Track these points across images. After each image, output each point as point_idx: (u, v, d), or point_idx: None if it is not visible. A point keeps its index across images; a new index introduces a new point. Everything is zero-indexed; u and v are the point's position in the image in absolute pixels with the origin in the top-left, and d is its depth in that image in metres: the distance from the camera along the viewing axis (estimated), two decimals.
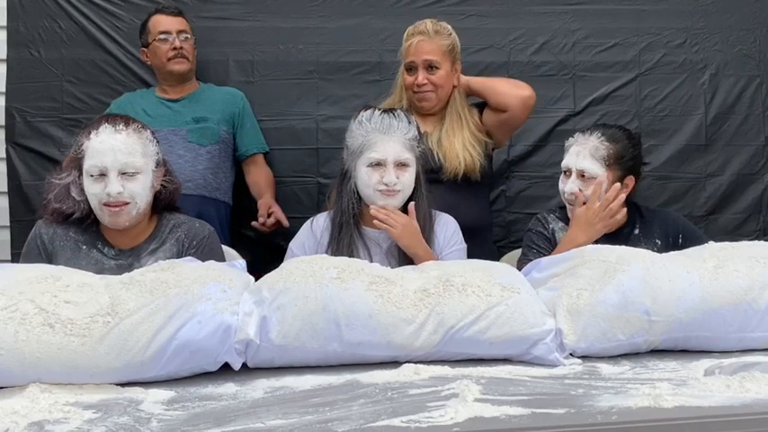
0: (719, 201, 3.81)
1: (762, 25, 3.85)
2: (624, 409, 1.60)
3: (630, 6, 3.83)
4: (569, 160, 2.79)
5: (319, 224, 2.73)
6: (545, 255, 2.74)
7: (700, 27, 3.84)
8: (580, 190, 2.73)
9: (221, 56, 3.72)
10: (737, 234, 3.73)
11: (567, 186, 2.76)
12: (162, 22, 3.46)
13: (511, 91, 3.12)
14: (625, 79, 3.82)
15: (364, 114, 2.64)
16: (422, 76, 3.09)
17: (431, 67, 3.09)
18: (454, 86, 3.16)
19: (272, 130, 3.69)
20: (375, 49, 3.76)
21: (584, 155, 2.74)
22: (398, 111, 2.68)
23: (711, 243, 2.40)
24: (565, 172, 2.81)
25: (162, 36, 3.43)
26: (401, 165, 2.58)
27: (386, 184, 2.55)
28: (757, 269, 2.12)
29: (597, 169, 2.72)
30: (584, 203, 2.72)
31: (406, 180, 2.59)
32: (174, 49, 3.43)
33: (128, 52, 3.68)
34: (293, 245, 2.74)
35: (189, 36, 3.50)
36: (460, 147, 3.06)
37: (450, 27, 3.16)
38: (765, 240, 2.79)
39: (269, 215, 3.42)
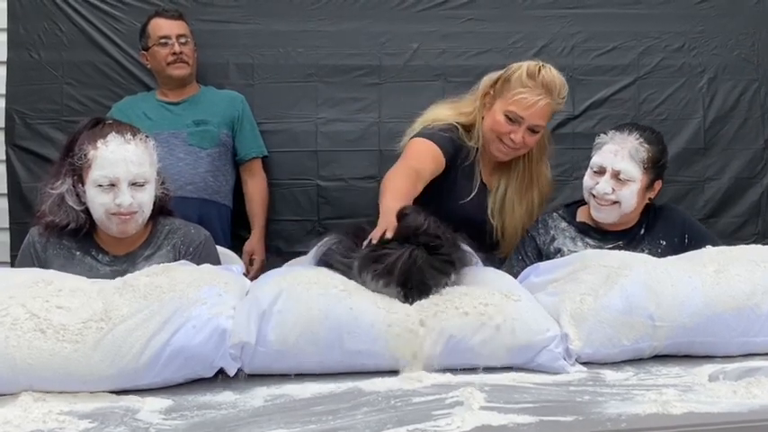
0: (718, 204, 3.82)
1: (760, 29, 3.86)
2: (633, 416, 1.59)
3: (629, 10, 3.83)
4: (605, 159, 2.66)
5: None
6: (527, 264, 2.67)
7: (698, 31, 3.84)
8: (613, 190, 2.64)
9: (221, 59, 3.72)
10: (736, 237, 3.73)
11: (600, 186, 2.65)
12: (161, 26, 3.45)
13: None
14: (624, 83, 3.82)
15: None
16: (521, 136, 2.72)
17: (535, 131, 2.76)
18: None
19: (271, 132, 3.69)
20: (375, 53, 3.76)
21: (623, 155, 2.64)
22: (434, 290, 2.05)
23: (709, 247, 2.39)
24: (596, 170, 2.69)
25: (161, 41, 3.43)
26: None
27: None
28: (758, 273, 2.13)
29: (635, 172, 2.63)
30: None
31: None
32: (174, 54, 3.42)
33: (128, 55, 3.67)
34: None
35: (188, 40, 3.49)
36: (519, 220, 2.87)
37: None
38: (764, 244, 2.79)
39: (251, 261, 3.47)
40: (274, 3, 3.75)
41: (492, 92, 2.79)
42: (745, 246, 2.43)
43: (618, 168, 2.64)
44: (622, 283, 2.06)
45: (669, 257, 2.33)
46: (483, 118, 2.81)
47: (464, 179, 2.83)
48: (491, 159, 2.87)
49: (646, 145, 2.67)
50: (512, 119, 2.71)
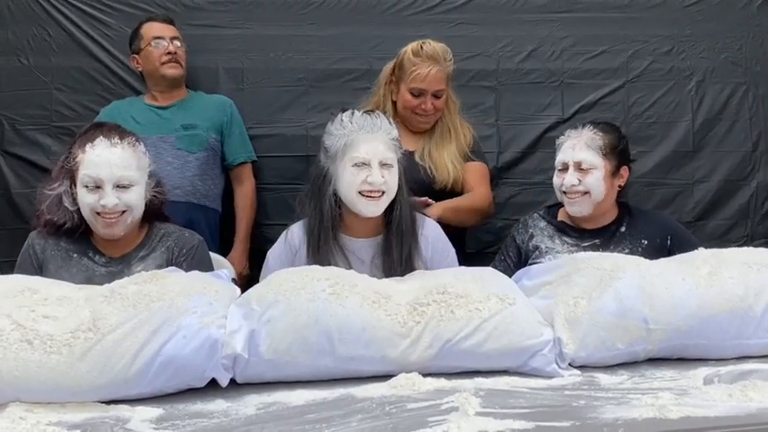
0: (707, 207, 3.82)
1: (748, 32, 3.88)
2: (630, 420, 1.59)
3: (618, 14, 3.84)
4: (565, 155, 2.81)
5: (294, 235, 2.64)
6: (509, 264, 2.82)
7: (686, 34, 3.85)
8: (579, 180, 2.75)
9: (211, 63, 3.71)
10: (725, 240, 3.75)
11: (567, 180, 2.77)
12: (155, 27, 3.46)
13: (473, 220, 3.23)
14: (613, 86, 3.82)
15: (344, 116, 2.57)
16: (429, 104, 3.14)
17: (438, 95, 3.15)
18: None
19: (261, 137, 3.68)
20: (365, 57, 3.75)
21: (581, 146, 2.78)
22: (378, 111, 2.64)
23: (701, 249, 2.40)
24: (561, 168, 2.83)
25: (156, 40, 3.42)
26: (386, 165, 2.49)
27: (370, 184, 2.45)
28: (751, 275, 2.14)
29: (595, 159, 2.76)
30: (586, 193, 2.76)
31: (391, 180, 2.50)
32: (169, 53, 3.42)
33: (117, 60, 3.66)
34: (271, 255, 2.65)
35: (181, 43, 3.50)
36: (448, 159, 3.14)
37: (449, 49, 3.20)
38: (753, 246, 2.80)
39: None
40: (264, 7, 3.74)
41: (393, 78, 3.24)
42: (737, 248, 2.45)
43: (578, 159, 2.77)
44: (616, 286, 2.07)
45: (662, 259, 2.33)
46: (395, 102, 3.23)
47: None
48: (407, 130, 3.21)
49: (600, 133, 2.81)
50: (416, 94, 3.14)
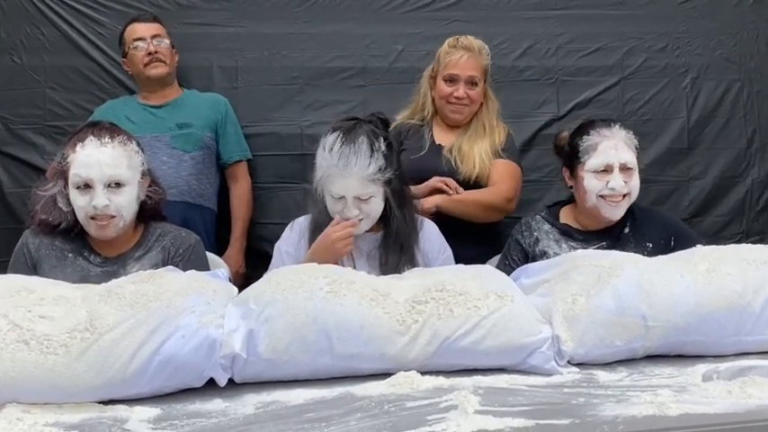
0: (703, 203, 3.84)
1: (742, 29, 3.90)
2: (629, 418, 1.59)
3: (613, 11, 3.86)
4: (609, 156, 2.64)
5: (298, 224, 2.72)
6: (514, 268, 2.64)
7: (681, 31, 3.87)
8: (625, 183, 2.64)
9: (205, 62, 3.71)
10: (721, 237, 3.76)
11: (614, 182, 2.62)
12: (135, 29, 3.45)
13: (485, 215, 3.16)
14: (608, 83, 3.84)
15: (328, 141, 2.50)
16: (462, 90, 3.19)
17: (472, 83, 3.20)
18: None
19: (256, 136, 3.68)
20: (359, 55, 3.76)
21: (622, 147, 2.65)
22: (362, 138, 2.47)
23: (699, 246, 2.38)
24: (603, 170, 2.65)
25: (135, 43, 3.42)
26: (361, 199, 2.49)
27: (347, 216, 2.50)
28: (750, 272, 2.12)
29: (634, 159, 2.67)
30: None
31: (370, 209, 2.52)
32: (149, 54, 3.41)
33: (110, 59, 3.65)
34: (278, 245, 2.72)
35: (164, 40, 3.48)
36: (477, 153, 3.16)
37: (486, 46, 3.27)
38: (748, 243, 2.80)
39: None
40: (258, 5, 3.75)
41: (433, 74, 3.30)
42: (736, 245, 2.45)
43: (624, 160, 2.64)
44: (614, 284, 2.05)
45: (660, 257, 2.32)
46: (434, 98, 3.31)
47: (414, 144, 3.24)
48: (446, 124, 3.31)
49: (630, 131, 2.72)
50: (449, 80, 3.21)
